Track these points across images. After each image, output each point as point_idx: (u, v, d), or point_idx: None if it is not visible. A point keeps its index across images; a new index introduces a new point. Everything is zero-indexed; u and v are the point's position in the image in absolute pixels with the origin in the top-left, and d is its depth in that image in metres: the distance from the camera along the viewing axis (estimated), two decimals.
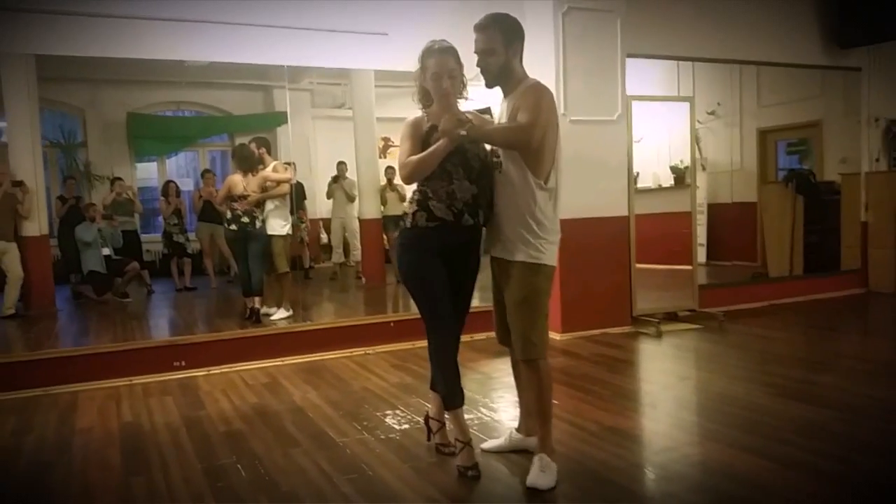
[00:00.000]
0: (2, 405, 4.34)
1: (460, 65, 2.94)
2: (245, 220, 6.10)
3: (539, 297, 2.88)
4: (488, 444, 3.24)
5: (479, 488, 2.84)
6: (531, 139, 2.72)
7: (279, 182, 6.26)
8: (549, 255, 2.88)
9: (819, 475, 2.85)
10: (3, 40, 5.43)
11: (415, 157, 2.82)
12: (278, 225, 6.29)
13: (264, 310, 6.16)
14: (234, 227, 6.14)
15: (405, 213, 2.99)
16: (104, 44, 5.41)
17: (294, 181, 9.15)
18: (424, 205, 2.88)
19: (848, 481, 2.81)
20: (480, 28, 2.86)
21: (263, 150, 6.42)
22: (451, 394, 2.97)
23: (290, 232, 6.58)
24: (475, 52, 2.89)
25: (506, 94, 2.93)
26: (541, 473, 2.80)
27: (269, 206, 6.24)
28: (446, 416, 3.11)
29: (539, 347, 2.88)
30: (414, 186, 2.96)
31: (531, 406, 3.09)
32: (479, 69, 2.92)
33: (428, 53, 2.93)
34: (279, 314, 6.12)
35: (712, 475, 2.92)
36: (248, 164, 6.27)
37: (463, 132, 2.70)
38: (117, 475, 3.14)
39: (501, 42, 2.83)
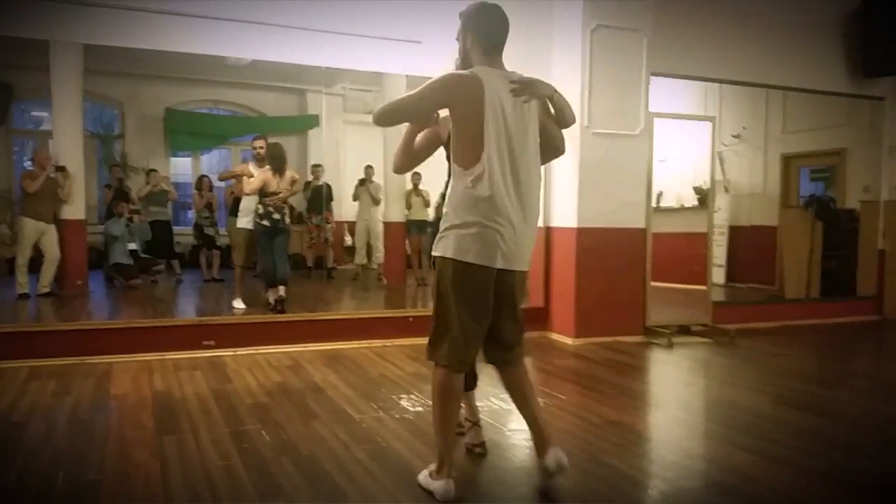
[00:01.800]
0: (41, 370, 4.62)
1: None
2: (277, 216, 6.37)
3: (437, 296, 2.66)
4: None
5: (486, 464, 3.03)
6: (379, 118, 2.64)
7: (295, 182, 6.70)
8: (449, 246, 2.59)
9: (808, 472, 3.00)
10: (55, 28, 5.73)
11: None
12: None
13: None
14: (266, 222, 6.39)
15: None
16: (149, 37, 5.69)
17: (322, 182, 9.51)
18: None
19: (833, 478, 2.95)
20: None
21: None
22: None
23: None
24: None
25: None
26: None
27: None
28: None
29: (429, 350, 2.69)
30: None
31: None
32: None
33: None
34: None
35: (705, 466, 3.10)
36: (280, 163, 6.52)
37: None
38: (150, 434, 3.38)
39: (460, 28, 2.76)
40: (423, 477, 2.75)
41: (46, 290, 7.12)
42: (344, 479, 2.82)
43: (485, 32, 2.69)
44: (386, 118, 2.67)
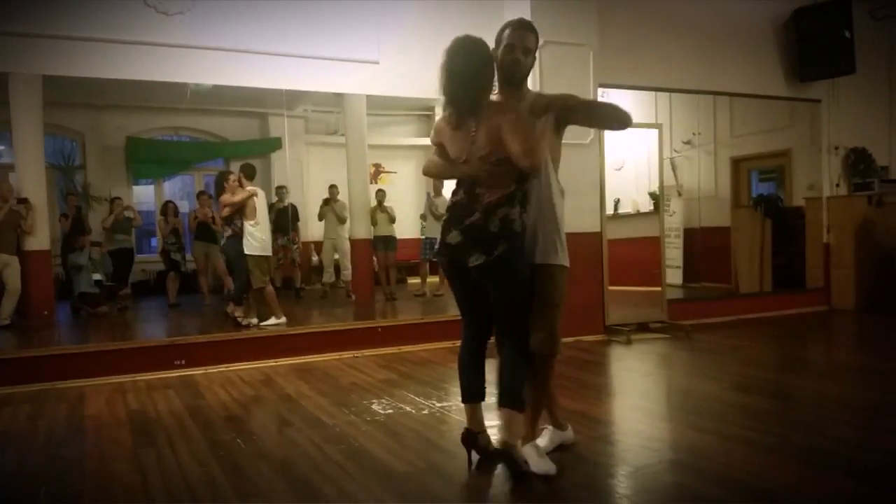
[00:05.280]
0: (13, 397, 4.66)
1: (535, 47, 2.98)
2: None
3: (558, 300, 3.05)
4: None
5: (458, 455, 3.16)
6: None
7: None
8: (565, 255, 3.01)
9: (761, 448, 3.20)
10: (15, 61, 5.79)
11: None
12: None
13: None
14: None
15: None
16: (109, 67, 5.79)
17: (287, 204, 9.62)
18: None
19: (785, 453, 3.15)
20: (529, 27, 2.97)
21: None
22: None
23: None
24: (519, 48, 2.90)
25: (514, 97, 2.94)
26: (544, 459, 2.96)
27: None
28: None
29: (557, 345, 3.12)
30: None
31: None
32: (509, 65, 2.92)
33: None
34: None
35: (662, 446, 3.29)
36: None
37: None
38: (128, 448, 3.47)
39: (535, 46, 2.99)
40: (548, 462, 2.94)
41: (7, 322, 7.07)
42: (320, 478, 2.95)
43: None
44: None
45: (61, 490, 2.95)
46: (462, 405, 3.10)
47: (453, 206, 2.95)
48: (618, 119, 3.05)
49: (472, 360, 3.08)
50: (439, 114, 3.33)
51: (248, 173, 6.81)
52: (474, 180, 2.88)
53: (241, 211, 6.61)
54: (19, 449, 3.58)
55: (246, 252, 6.52)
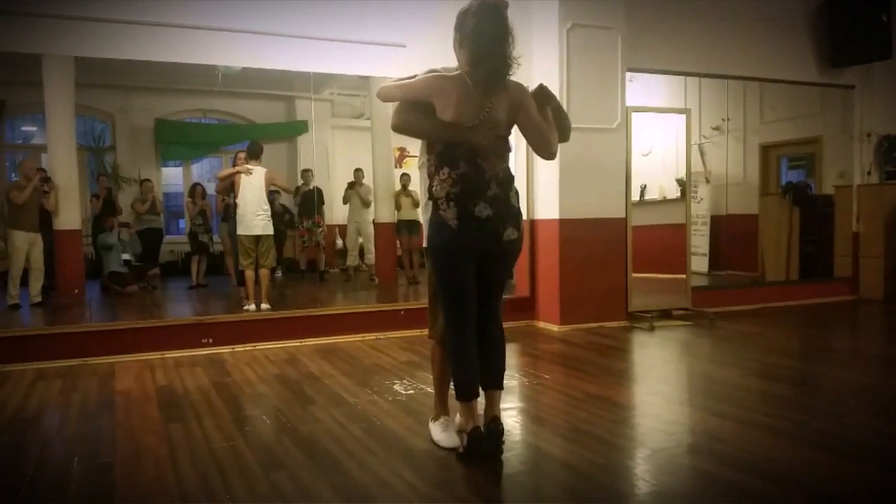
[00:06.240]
0: (45, 372, 4.79)
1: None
2: None
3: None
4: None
5: None
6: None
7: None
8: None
9: (778, 434, 3.21)
10: (48, 43, 5.89)
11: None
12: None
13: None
14: None
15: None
16: (140, 49, 5.86)
17: (312, 186, 9.71)
18: None
19: (802, 438, 3.15)
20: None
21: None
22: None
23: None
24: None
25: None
26: None
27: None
28: None
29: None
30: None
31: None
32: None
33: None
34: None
35: (680, 430, 3.31)
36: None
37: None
38: (157, 422, 3.57)
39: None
40: None
41: (38, 299, 7.21)
42: (342, 453, 3.02)
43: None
44: None
45: (93, 460, 3.04)
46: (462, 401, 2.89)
47: (465, 178, 2.77)
48: (565, 137, 3.02)
49: (474, 350, 2.89)
50: None
51: (251, 151, 6.78)
52: (474, 151, 2.77)
53: (233, 189, 6.69)
54: (54, 421, 3.70)
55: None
